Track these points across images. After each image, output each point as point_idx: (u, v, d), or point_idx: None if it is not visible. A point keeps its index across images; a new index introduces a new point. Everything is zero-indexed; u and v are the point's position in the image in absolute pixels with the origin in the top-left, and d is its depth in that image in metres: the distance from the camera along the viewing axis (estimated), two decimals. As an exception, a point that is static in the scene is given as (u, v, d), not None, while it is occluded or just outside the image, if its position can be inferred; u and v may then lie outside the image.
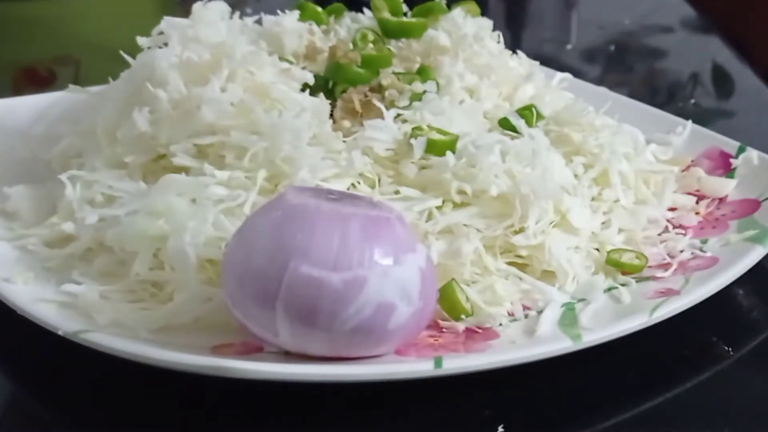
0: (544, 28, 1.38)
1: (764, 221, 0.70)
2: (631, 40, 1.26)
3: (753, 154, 0.77)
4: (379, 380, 0.55)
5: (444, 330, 0.61)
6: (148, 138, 0.69)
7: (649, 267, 0.68)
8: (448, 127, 0.69)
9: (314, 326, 0.54)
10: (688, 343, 0.63)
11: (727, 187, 0.75)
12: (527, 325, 0.62)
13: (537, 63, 0.82)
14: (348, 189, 0.65)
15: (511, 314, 0.63)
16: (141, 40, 0.75)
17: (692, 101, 1.08)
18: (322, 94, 0.71)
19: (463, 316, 0.62)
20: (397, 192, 0.66)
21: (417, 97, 0.72)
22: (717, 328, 0.65)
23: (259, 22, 0.80)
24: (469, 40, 0.78)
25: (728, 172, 0.77)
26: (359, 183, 0.66)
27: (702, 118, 0.93)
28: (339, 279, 0.54)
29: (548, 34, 1.33)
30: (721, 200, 0.75)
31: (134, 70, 0.74)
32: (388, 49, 0.77)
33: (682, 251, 0.69)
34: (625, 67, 1.21)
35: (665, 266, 0.67)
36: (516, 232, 0.66)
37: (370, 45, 0.77)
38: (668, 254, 0.69)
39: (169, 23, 0.75)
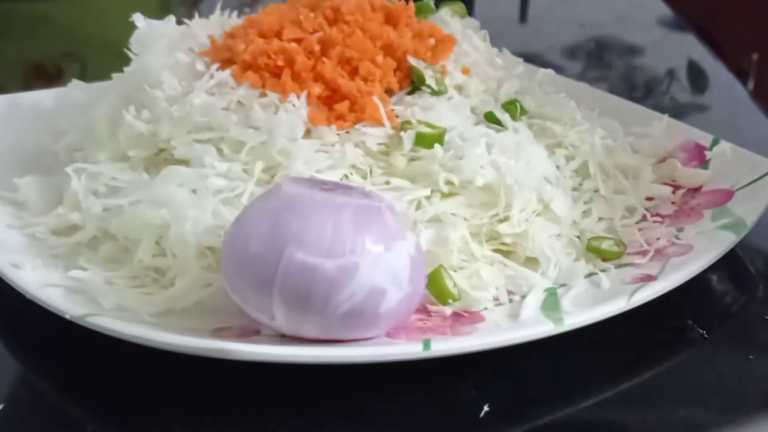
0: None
1: (737, 210, 0.70)
2: (611, 37, 1.26)
3: (726, 146, 0.77)
4: (370, 362, 0.55)
5: (432, 314, 0.61)
6: (149, 135, 0.69)
7: (628, 254, 0.67)
8: (437, 121, 0.69)
9: (309, 310, 0.54)
10: (664, 326, 0.63)
11: (701, 177, 0.75)
12: (511, 309, 0.62)
13: (521, 60, 0.82)
14: (341, 179, 0.65)
15: (496, 299, 0.63)
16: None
17: (668, 96, 1.07)
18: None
19: (450, 301, 0.61)
20: (387, 182, 0.66)
21: (407, 92, 0.71)
22: (692, 312, 0.64)
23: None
24: (457, 39, 0.78)
25: (703, 163, 0.77)
26: (352, 174, 0.66)
27: (678, 112, 0.93)
28: (332, 265, 0.53)
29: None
30: (696, 190, 0.74)
31: (130, 69, 0.74)
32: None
33: (659, 239, 0.69)
34: (605, 63, 1.21)
35: (643, 253, 0.67)
36: (501, 221, 0.66)
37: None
38: (646, 242, 0.69)
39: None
